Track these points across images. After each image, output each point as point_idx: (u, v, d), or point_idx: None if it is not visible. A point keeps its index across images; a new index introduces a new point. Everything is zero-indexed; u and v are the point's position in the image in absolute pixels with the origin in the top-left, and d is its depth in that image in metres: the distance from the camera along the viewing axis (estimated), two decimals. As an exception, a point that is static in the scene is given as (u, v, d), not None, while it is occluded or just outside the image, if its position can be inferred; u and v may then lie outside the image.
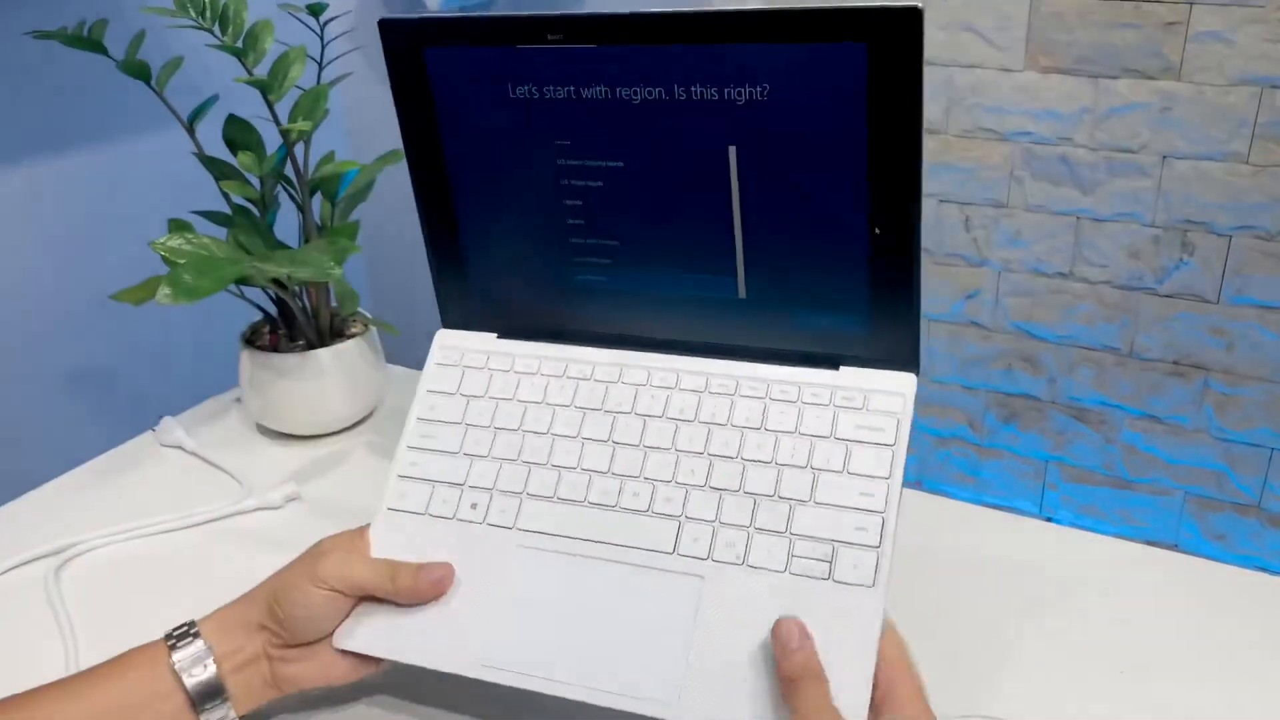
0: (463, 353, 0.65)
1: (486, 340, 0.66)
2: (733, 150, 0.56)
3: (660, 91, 0.56)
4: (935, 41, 1.26)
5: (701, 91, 0.55)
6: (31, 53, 1.02)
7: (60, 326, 1.09)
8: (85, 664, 0.60)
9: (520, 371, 0.64)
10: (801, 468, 0.56)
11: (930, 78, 1.27)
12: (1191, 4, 1.13)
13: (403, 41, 0.60)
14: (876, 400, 0.57)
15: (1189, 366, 1.27)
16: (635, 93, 0.56)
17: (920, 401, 1.41)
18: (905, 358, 0.57)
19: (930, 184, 1.32)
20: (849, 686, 0.49)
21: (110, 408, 1.14)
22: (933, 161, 1.31)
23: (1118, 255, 1.26)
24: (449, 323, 0.67)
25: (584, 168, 0.59)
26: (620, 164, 0.59)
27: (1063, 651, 0.62)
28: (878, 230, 0.55)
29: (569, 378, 0.62)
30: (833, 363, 0.59)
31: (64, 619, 0.66)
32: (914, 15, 0.50)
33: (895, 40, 0.50)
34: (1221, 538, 1.31)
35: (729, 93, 0.54)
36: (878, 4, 0.50)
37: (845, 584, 0.52)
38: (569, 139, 0.59)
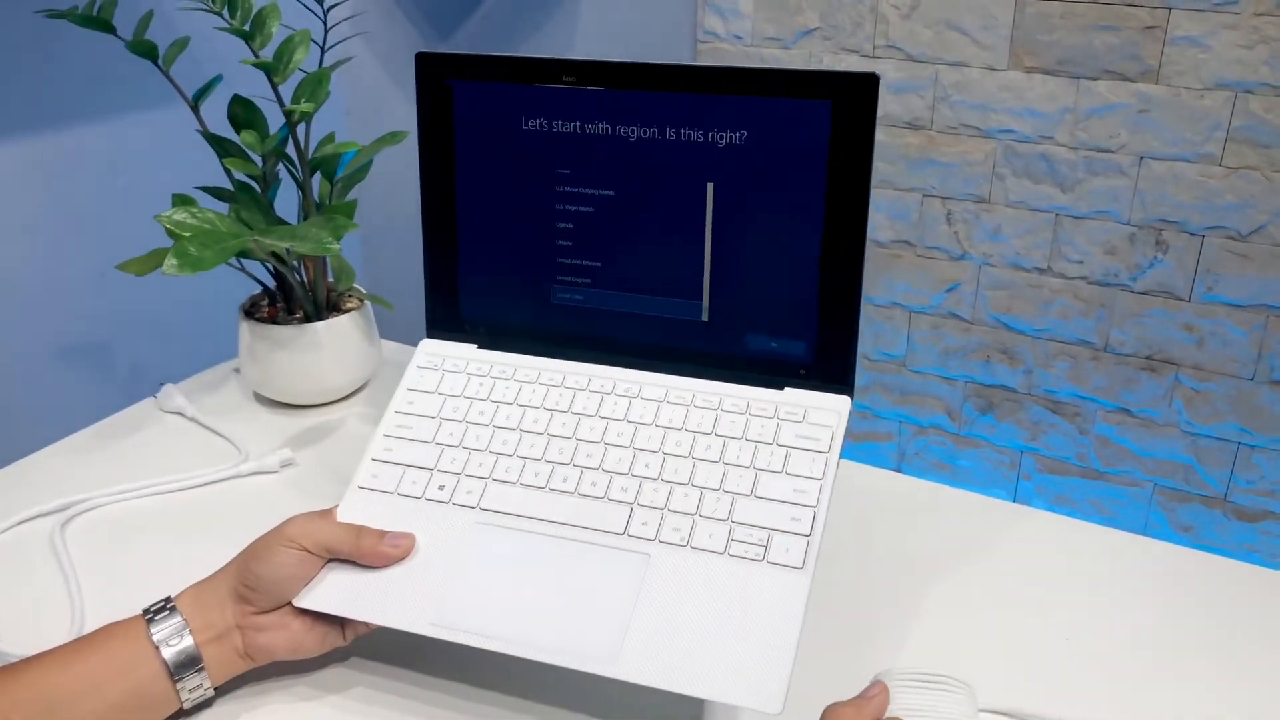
0: (443, 358, 0.70)
1: (467, 349, 0.71)
2: (710, 186, 0.63)
3: (654, 131, 0.63)
4: (922, 39, 1.28)
5: (689, 133, 0.63)
6: (40, 31, 1.03)
7: (64, 297, 1.09)
8: (89, 613, 0.63)
9: (496, 376, 0.68)
10: (745, 467, 0.61)
11: (917, 74, 1.29)
12: (1170, 9, 1.14)
13: (434, 72, 0.67)
14: (815, 415, 0.63)
15: (1160, 362, 1.28)
16: (632, 131, 0.64)
17: (900, 391, 1.44)
18: (842, 382, 0.64)
19: (914, 178, 1.34)
20: (775, 649, 0.53)
21: (112, 376, 1.15)
22: (917, 157, 1.33)
23: (1094, 252, 1.27)
24: (434, 333, 0.72)
25: (579, 194, 0.66)
26: (611, 193, 0.66)
27: (1021, 620, 0.66)
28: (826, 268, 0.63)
29: (540, 384, 0.67)
30: (778, 385, 0.65)
31: (69, 571, 0.68)
32: (871, 80, 0.59)
33: (855, 100, 0.59)
34: (1188, 529, 1.33)
35: (712, 135, 0.62)
36: (843, 70, 0.60)
37: (777, 564, 0.56)
38: (569, 168, 0.66)
